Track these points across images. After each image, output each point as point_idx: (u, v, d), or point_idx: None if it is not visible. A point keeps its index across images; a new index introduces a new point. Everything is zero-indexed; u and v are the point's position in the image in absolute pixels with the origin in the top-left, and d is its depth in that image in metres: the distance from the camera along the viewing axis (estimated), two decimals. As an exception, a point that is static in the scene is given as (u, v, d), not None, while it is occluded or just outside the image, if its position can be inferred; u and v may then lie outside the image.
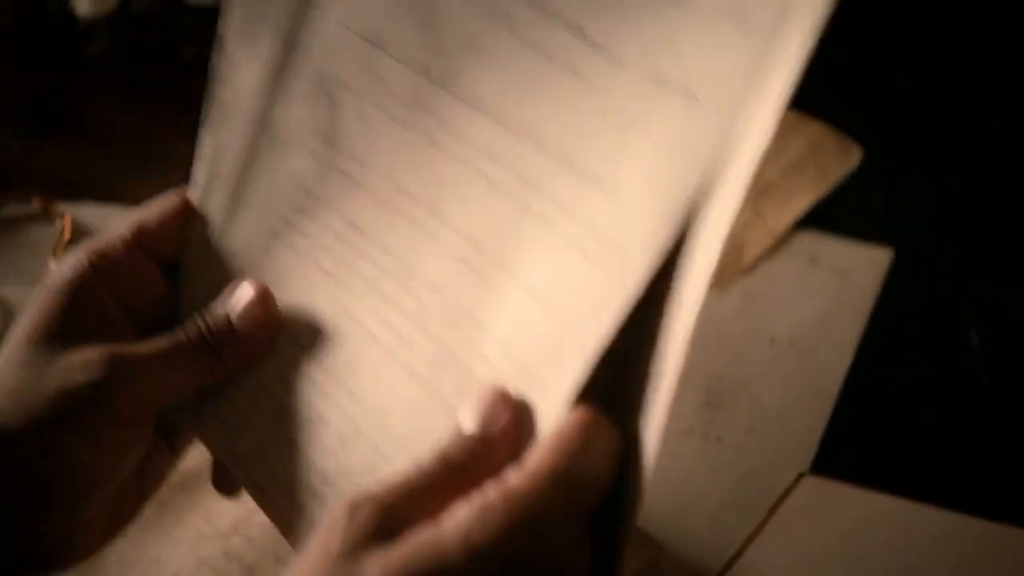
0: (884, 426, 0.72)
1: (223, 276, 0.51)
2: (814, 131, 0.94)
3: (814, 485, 0.67)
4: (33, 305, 0.46)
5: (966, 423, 0.72)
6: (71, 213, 0.86)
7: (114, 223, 0.49)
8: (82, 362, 0.44)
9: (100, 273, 0.47)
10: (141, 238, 0.49)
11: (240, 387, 0.50)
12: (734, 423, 0.73)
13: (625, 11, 0.42)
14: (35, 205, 0.87)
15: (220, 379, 0.48)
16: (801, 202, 0.88)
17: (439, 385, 0.45)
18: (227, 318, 0.47)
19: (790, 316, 0.80)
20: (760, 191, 0.89)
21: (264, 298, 0.48)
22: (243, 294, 0.48)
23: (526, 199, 0.44)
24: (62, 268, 0.46)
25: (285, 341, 0.49)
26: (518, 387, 0.42)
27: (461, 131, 0.46)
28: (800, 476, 0.68)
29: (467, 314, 0.45)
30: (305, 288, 0.49)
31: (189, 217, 0.52)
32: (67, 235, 0.84)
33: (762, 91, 0.37)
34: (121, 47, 1.03)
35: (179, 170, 0.94)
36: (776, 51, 0.37)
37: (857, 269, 0.83)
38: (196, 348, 0.47)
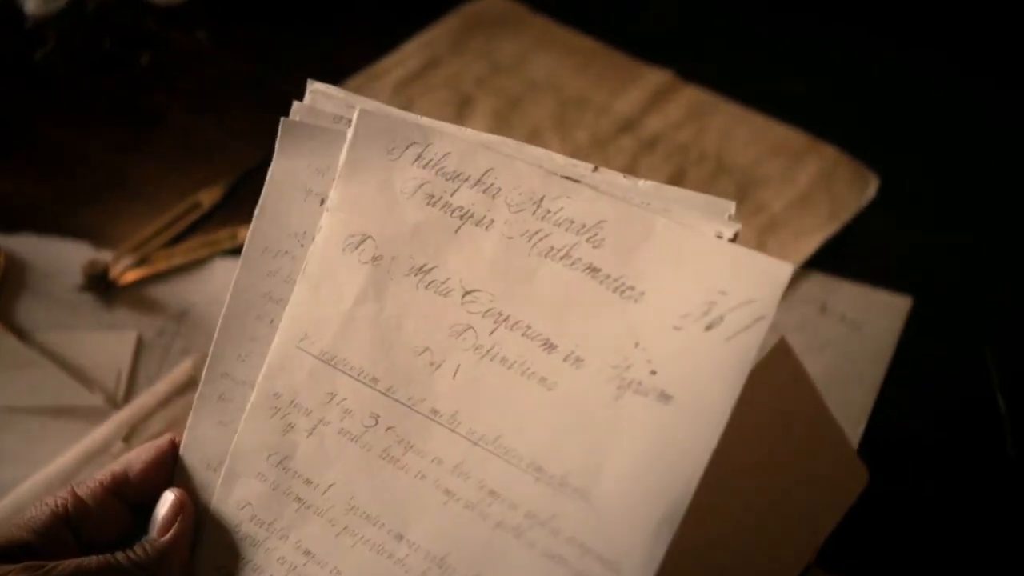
0: (900, 512, 0.65)
1: None
2: (827, 156, 0.86)
3: (823, 582, 0.60)
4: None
5: (993, 509, 0.65)
6: (8, 246, 0.78)
7: (86, 473, 0.53)
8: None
9: (72, 517, 0.48)
10: (120, 486, 0.50)
11: None
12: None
13: (588, 317, 0.44)
14: (-31, 236, 0.79)
15: None
16: (811, 240, 0.80)
17: None
18: (153, 540, 0.49)
19: (797, 372, 0.72)
20: (765, 227, 0.81)
21: (180, 507, 0.49)
22: (162, 509, 0.49)
23: (496, 515, 0.44)
24: (39, 509, 0.48)
25: None
26: None
27: (424, 448, 0.45)
28: (808, 568, 0.61)
29: None
30: None
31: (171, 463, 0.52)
32: (0, 271, 0.77)
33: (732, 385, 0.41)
34: (72, 52, 0.95)
35: (134, 199, 0.87)
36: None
37: (872, 319, 0.75)
38: (124, 570, 0.47)
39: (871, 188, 0.83)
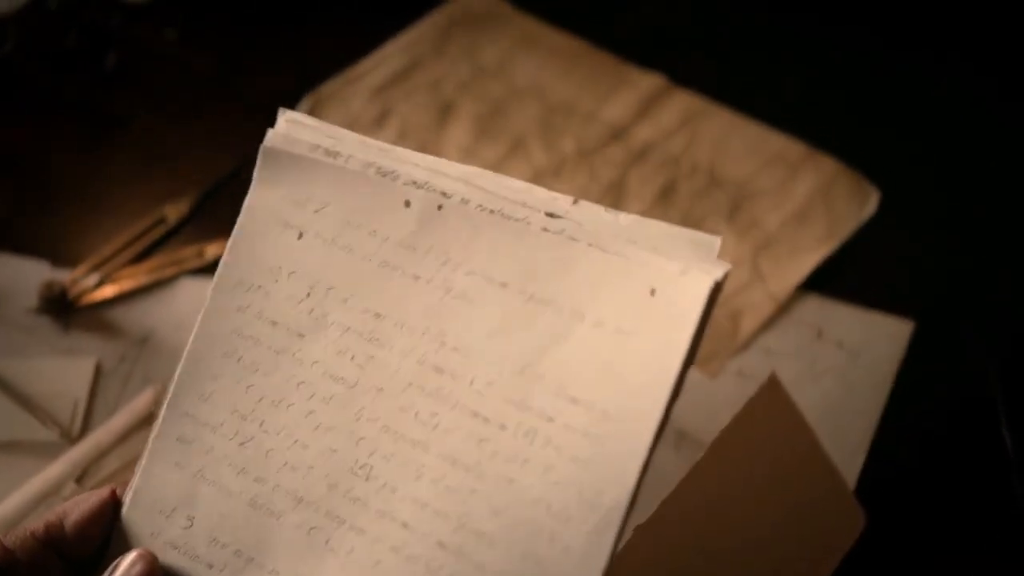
0: (900, 554, 0.61)
1: None
2: (825, 167, 0.82)
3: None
4: None
5: (999, 551, 0.62)
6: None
7: (33, 518, 0.49)
8: None
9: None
10: (55, 539, 0.46)
11: None
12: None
13: None
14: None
15: None
16: (808, 260, 0.76)
17: None
18: None
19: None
20: (759, 245, 0.77)
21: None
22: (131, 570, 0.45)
23: None
24: None
25: None
26: None
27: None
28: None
29: None
30: None
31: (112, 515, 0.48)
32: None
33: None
34: (33, 51, 0.90)
35: (95, 211, 0.82)
36: None
37: (872, 345, 0.72)
38: None
39: (872, 203, 0.79)
